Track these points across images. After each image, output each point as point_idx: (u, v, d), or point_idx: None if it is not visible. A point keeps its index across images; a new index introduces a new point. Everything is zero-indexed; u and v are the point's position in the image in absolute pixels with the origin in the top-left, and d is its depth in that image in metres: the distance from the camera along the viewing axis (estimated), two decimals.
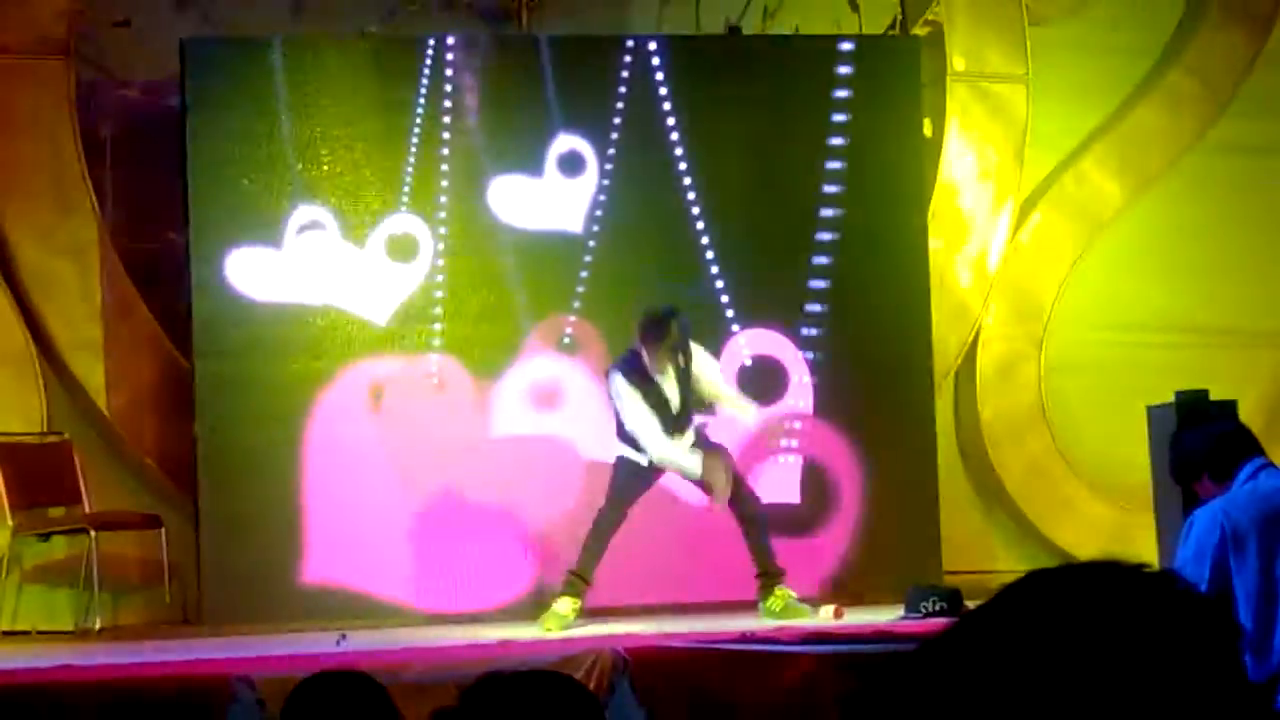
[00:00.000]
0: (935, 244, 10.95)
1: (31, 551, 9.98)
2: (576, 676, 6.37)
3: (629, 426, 8.81)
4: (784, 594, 8.82)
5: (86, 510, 9.84)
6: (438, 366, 10.05)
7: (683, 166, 10.35)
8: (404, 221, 10.07)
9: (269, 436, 9.85)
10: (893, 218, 10.66)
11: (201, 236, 9.90)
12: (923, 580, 9.34)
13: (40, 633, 9.78)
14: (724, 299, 10.37)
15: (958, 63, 11.36)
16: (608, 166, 10.28)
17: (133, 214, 10.54)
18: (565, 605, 8.64)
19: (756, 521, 9.03)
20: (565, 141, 10.27)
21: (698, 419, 9.13)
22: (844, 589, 9.95)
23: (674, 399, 8.91)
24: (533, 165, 10.23)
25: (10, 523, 9.68)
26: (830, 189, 10.52)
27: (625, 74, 10.34)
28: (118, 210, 10.44)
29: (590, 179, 10.28)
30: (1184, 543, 6.03)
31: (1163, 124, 11.81)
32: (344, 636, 8.17)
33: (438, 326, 10.07)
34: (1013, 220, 11.40)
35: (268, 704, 6.55)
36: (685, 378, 8.98)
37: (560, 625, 8.55)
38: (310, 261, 9.96)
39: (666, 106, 10.37)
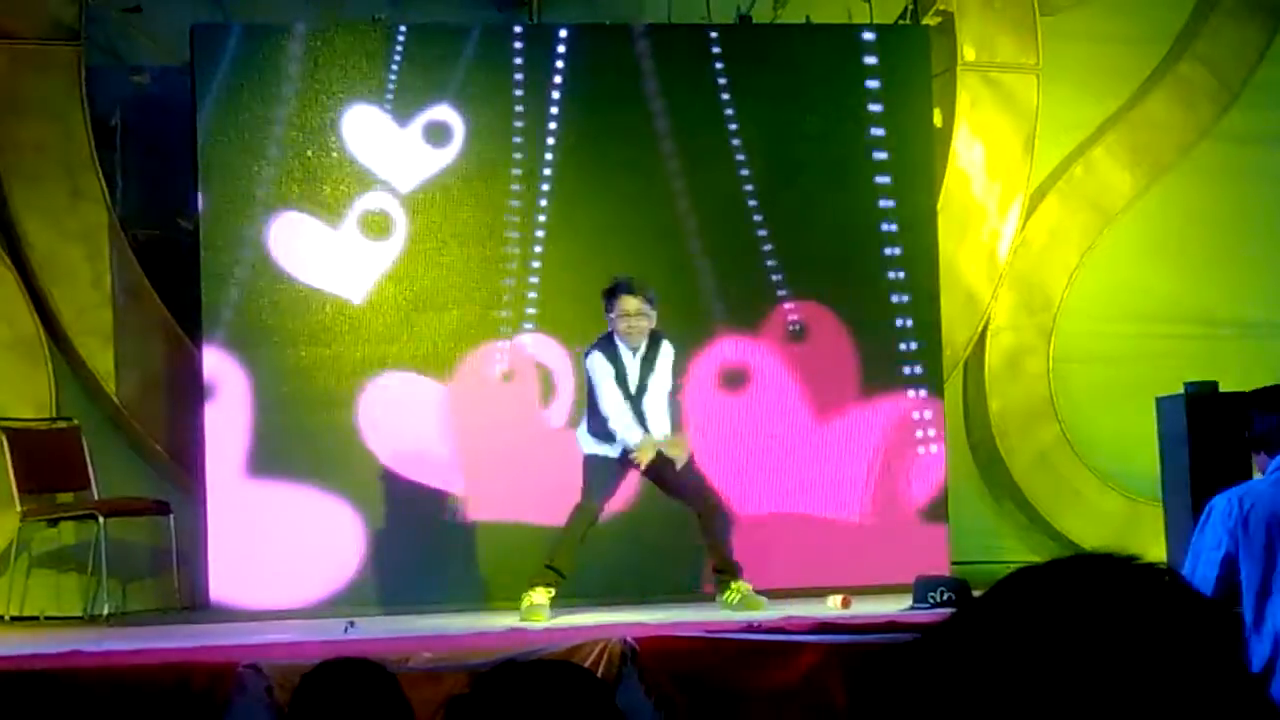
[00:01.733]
0: (944, 234, 10.95)
1: (40, 537, 10.00)
2: (583, 664, 6.38)
3: (602, 405, 8.76)
4: (740, 587, 8.75)
5: (95, 496, 9.85)
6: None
7: (691, 159, 10.38)
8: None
9: (277, 423, 9.86)
10: (902, 207, 10.65)
11: (211, 223, 9.90)
12: (931, 570, 9.33)
13: (49, 618, 9.80)
14: (727, 289, 10.40)
15: (968, 52, 11.35)
16: (614, 165, 10.31)
17: (143, 200, 10.54)
18: (542, 596, 8.60)
19: (715, 517, 8.95)
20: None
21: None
22: (852, 578, 9.95)
23: (633, 380, 8.81)
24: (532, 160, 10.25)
25: (19, 508, 9.69)
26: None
27: (634, 64, 10.36)
28: (128, 196, 10.45)
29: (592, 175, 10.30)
30: (1200, 531, 6.02)
31: (1173, 114, 11.80)
32: (352, 624, 8.17)
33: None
34: (1022, 211, 11.40)
35: (276, 691, 6.56)
36: (649, 364, 8.86)
37: (543, 617, 8.51)
38: (319, 248, 9.96)
39: (675, 95, 10.38)
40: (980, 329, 11.32)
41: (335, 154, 10.03)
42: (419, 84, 10.15)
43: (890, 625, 7.58)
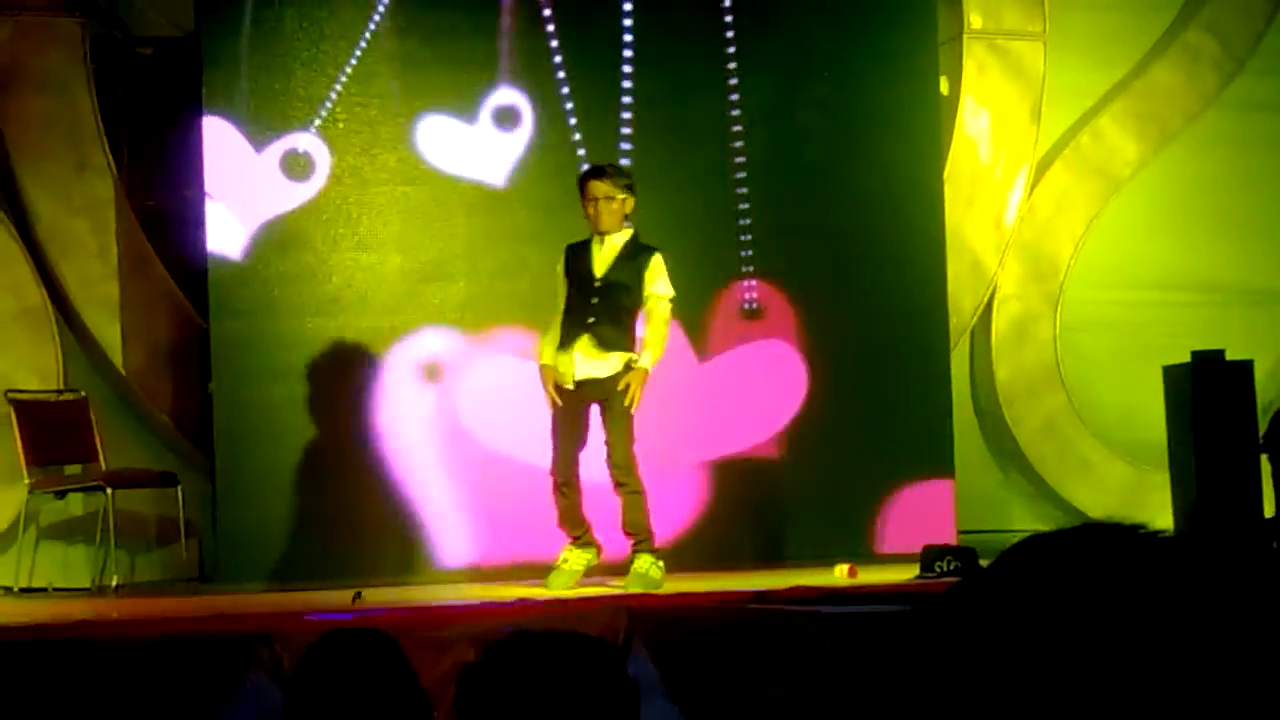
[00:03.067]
0: (951, 202, 10.94)
1: (48, 509, 10.02)
2: (592, 635, 6.40)
3: None
4: (643, 560, 8.49)
5: (103, 468, 9.86)
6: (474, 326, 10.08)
7: (697, 124, 10.37)
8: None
9: (285, 394, 9.87)
10: (908, 176, 10.64)
11: (217, 194, 9.90)
12: (938, 539, 9.34)
13: (57, 590, 9.82)
14: (743, 253, 10.38)
15: (974, 20, 11.34)
16: (622, 131, 10.30)
17: (149, 172, 10.54)
18: (562, 559, 8.56)
19: (636, 494, 8.50)
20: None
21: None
22: (859, 548, 9.97)
23: (597, 270, 8.43)
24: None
25: (27, 480, 9.71)
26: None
27: (628, 23, 10.35)
28: (134, 168, 10.44)
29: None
30: None
31: (1180, 82, 11.78)
32: (359, 594, 8.18)
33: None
34: (1029, 179, 11.39)
35: (284, 661, 6.57)
36: (622, 262, 8.47)
37: (565, 582, 8.48)
38: (326, 219, 9.97)
39: (683, 60, 10.37)
40: (987, 297, 11.32)
41: (341, 125, 10.02)
42: (426, 55, 10.13)
43: (897, 595, 7.58)
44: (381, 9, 10.12)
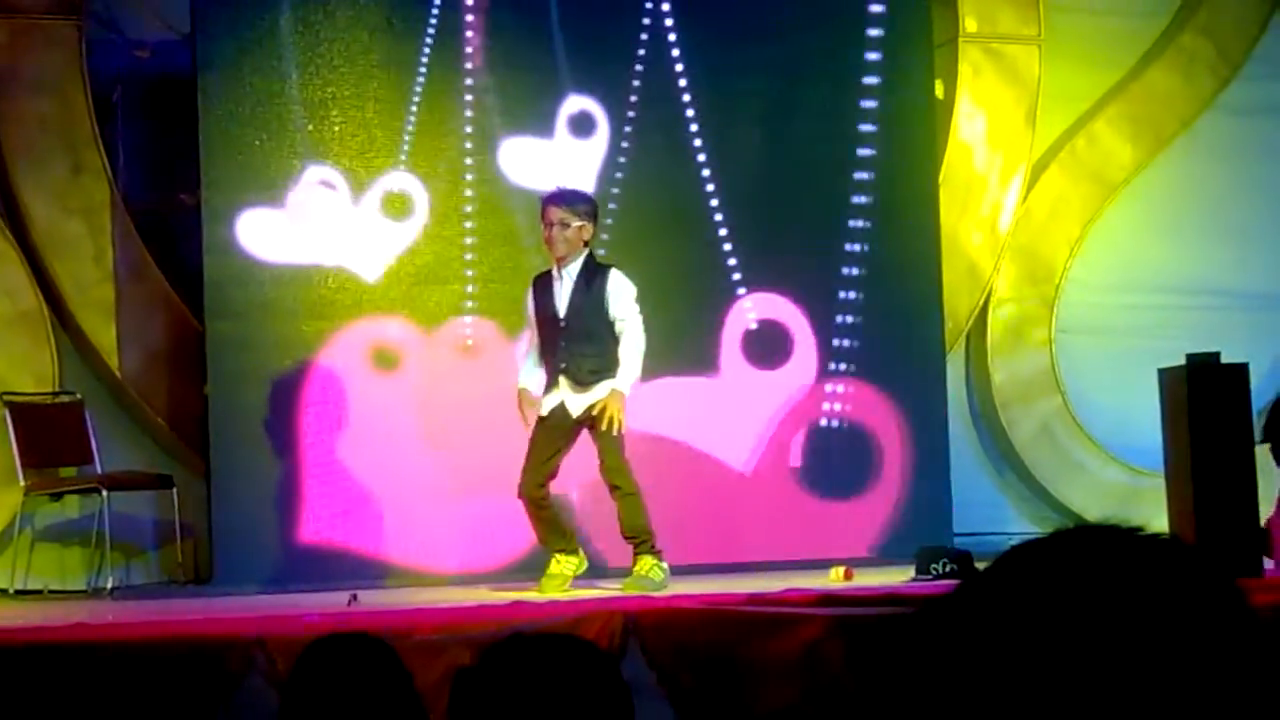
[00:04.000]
0: (946, 206, 10.94)
1: (44, 511, 10.01)
2: (586, 638, 6.39)
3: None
4: (645, 562, 8.52)
5: (98, 470, 9.86)
6: (471, 328, 10.06)
7: (695, 128, 10.36)
8: (402, 180, 10.07)
9: (280, 397, 9.86)
10: (904, 179, 10.65)
11: (213, 197, 9.89)
12: (933, 542, 9.34)
13: (52, 592, 9.82)
14: (731, 261, 10.37)
15: (970, 24, 11.35)
16: (625, 129, 10.29)
17: (144, 175, 10.54)
18: (554, 564, 8.57)
19: (633, 498, 8.51)
20: (576, 102, 10.27)
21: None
22: (855, 550, 9.97)
23: (561, 305, 8.43)
24: (543, 127, 10.23)
25: (23, 482, 9.71)
26: (863, 152, 10.55)
27: (641, 35, 10.33)
28: (129, 171, 10.44)
29: (601, 141, 10.28)
30: None
31: (1175, 86, 11.79)
32: (355, 597, 8.18)
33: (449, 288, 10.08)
34: (1024, 182, 11.40)
35: (279, 665, 6.57)
36: (583, 289, 8.45)
37: (557, 587, 8.49)
38: (321, 222, 9.96)
39: (680, 67, 10.36)
40: (982, 301, 11.33)
41: (338, 128, 10.02)
42: (419, 58, 10.13)
43: (892, 597, 7.58)
44: (376, 12, 10.12)
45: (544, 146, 10.22)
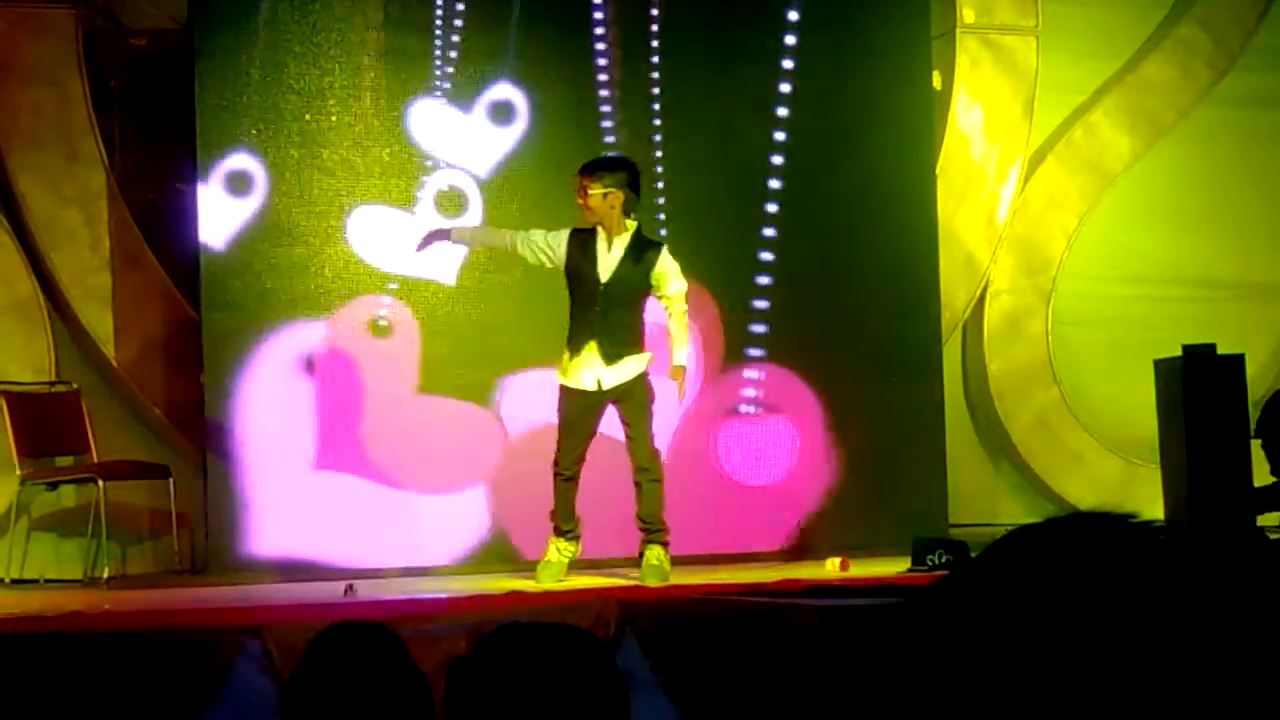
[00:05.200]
0: (943, 197, 10.94)
1: (40, 500, 10.01)
2: (582, 627, 6.40)
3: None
4: (653, 553, 8.53)
5: (95, 459, 9.86)
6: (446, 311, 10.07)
7: (683, 113, 10.37)
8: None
9: (276, 387, 9.85)
10: (901, 170, 10.64)
11: (209, 186, 9.88)
12: (929, 532, 9.34)
13: (48, 581, 9.82)
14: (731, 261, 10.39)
15: (967, 14, 11.34)
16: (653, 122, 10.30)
17: (141, 164, 10.53)
18: (556, 552, 8.57)
19: (644, 485, 8.51)
20: (575, 96, 10.27)
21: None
22: (850, 541, 9.96)
23: (605, 273, 8.41)
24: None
25: (19, 471, 9.70)
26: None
27: (652, 27, 10.33)
28: (126, 160, 10.43)
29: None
30: None
31: (1172, 77, 11.79)
32: (351, 587, 8.18)
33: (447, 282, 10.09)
34: (1021, 173, 11.40)
35: (274, 654, 6.57)
36: (628, 261, 8.46)
37: (554, 575, 8.49)
38: (318, 212, 9.95)
39: (656, 59, 10.37)
40: (979, 291, 11.33)
41: (334, 117, 10.02)
42: (418, 47, 10.13)
43: (888, 587, 7.59)
44: (374, 2, 10.12)
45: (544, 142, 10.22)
